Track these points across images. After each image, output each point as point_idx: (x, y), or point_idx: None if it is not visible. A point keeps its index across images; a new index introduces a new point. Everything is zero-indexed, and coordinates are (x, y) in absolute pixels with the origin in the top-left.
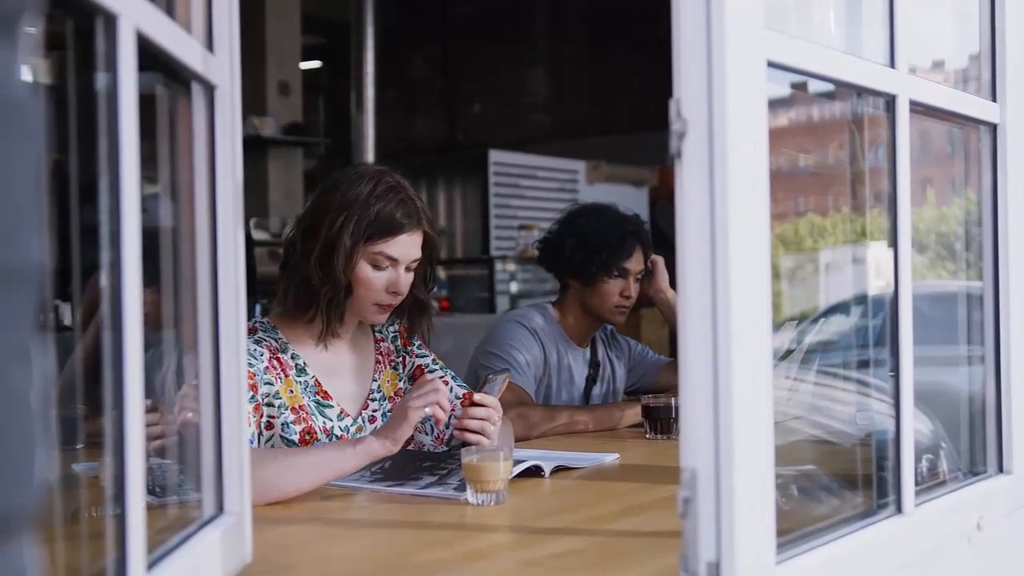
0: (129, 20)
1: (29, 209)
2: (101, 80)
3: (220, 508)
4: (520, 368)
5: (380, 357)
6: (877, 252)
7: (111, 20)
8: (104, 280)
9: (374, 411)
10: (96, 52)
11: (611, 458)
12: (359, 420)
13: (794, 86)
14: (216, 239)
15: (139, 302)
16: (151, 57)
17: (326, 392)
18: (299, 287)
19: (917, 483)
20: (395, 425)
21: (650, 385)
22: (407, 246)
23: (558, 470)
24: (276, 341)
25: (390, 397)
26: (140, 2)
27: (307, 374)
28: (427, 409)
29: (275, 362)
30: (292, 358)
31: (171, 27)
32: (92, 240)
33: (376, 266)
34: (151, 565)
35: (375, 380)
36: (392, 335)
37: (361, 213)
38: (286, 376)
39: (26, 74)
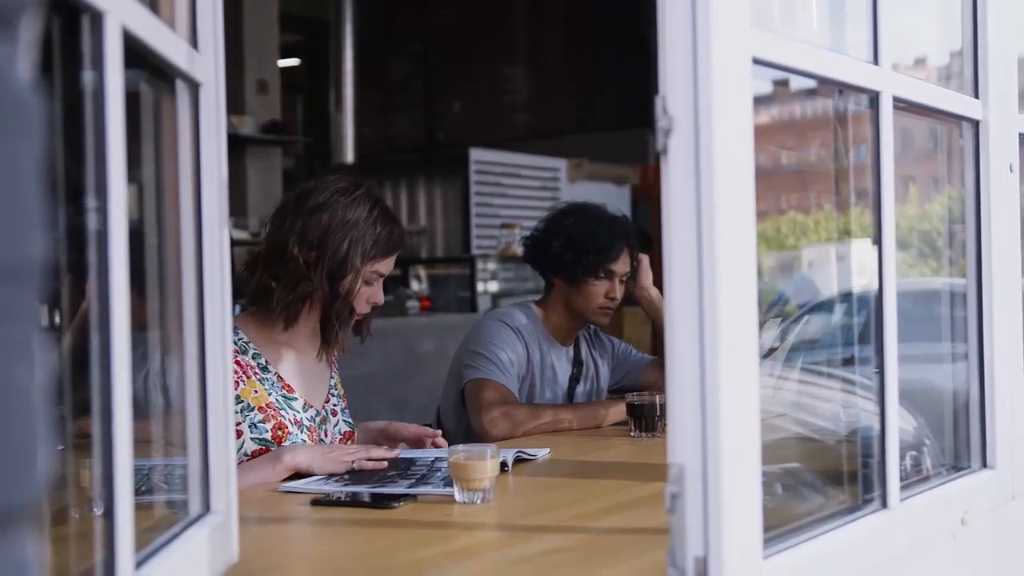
0: (115, 17)
1: (31, 206)
2: (87, 77)
3: (207, 507)
4: (503, 366)
5: (333, 359)
6: (860, 250)
7: (97, 17)
8: (91, 280)
9: (334, 405)
10: (82, 49)
11: (543, 452)
12: (323, 412)
13: (776, 83)
14: (201, 238)
15: (126, 302)
16: (135, 54)
17: (289, 386)
18: (300, 301)
19: (901, 479)
20: (323, 456)
21: (634, 383)
22: (393, 262)
23: (519, 461)
24: (236, 343)
25: (342, 395)
26: None
27: (270, 372)
28: (355, 465)
29: (235, 365)
30: (253, 358)
31: (157, 24)
32: (75, 240)
33: (367, 282)
34: (139, 564)
35: (332, 377)
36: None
37: (366, 236)
38: (248, 378)
39: (26, 71)
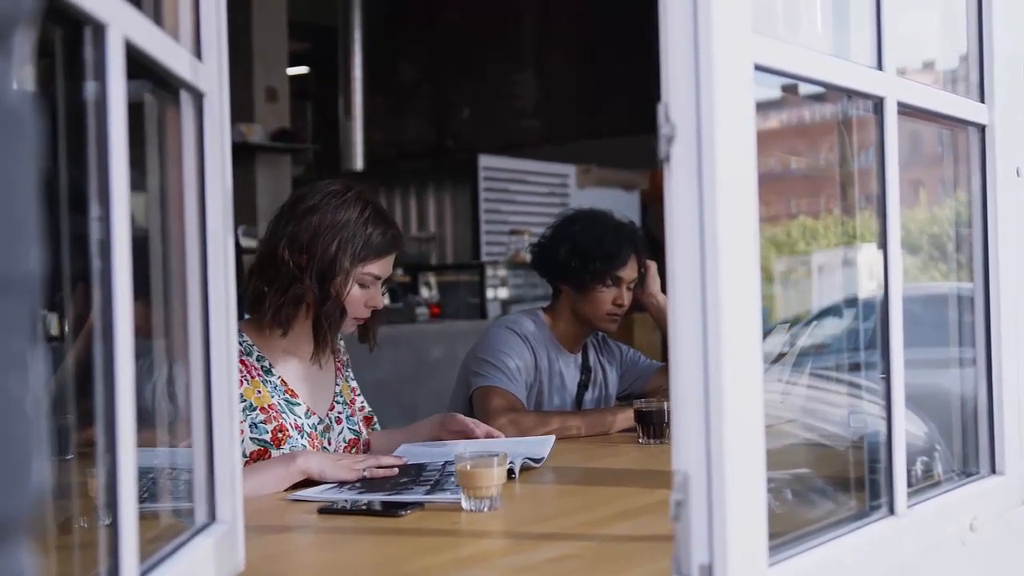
0: (118, 29)
1: (26, 218)
2: (90, 88)
3: (212, 517)
4: (511, 374)
5: (339, 364)
6: (869, 254)
7: (100, 29)
8: (94, 290)
9: (339, 413)
10: (84, 60)
11: (550, 441)
12: (327, 420)
13: (785, 88)
14: (206, 248)
15: (130, 311)
16: (139, 65)
17: (293, 391)
18: (292, 304)
19: (911, 485)
20: (334, 463)
21: (642, 390)
22: (390, 265)
23: (525, 469)
24: (241, 345)
25: (349, 402)
26: (129, 11)
27: (274, 375)
28: (366, 472)
29: (239, 365)
30: (258, 360)
31: (159, 35)
32: (81, 249)
33: (362, 285)
34: (143, 574)
35: (337, 385)
36: (343, 348)
37: (356, 237)
38: (252, 378)
39: (21, 83)
